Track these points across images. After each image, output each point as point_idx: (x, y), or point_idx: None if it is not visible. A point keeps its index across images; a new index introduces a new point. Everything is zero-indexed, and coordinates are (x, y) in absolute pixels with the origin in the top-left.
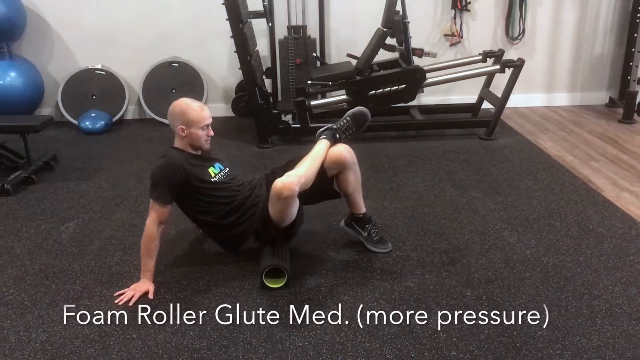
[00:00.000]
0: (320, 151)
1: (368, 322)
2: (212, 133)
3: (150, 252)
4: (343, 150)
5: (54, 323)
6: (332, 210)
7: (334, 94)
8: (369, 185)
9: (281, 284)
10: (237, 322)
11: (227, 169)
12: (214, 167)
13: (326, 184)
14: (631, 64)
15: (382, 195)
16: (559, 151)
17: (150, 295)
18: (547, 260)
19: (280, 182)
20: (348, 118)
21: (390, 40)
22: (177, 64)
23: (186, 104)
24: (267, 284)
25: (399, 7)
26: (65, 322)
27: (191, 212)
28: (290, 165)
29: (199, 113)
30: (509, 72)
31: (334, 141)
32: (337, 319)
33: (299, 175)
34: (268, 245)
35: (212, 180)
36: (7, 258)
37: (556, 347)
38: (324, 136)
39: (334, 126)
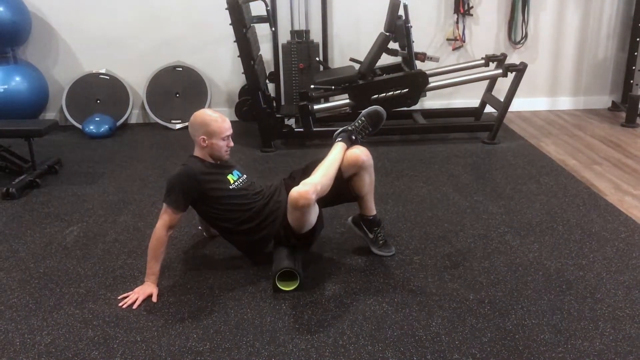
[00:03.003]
0: (337, 155)
1: (371, 325)
2: (232, 144)
3: (157, 255)
4: (360, 153)
5: (58, 326)
6: (334, 215)
7: (336, 98)
8: None
9: (293, 287)
10: (241, 325)
11: (245, 175)
12: (232, 174)
13: (344, 187)
14: (634, 67)
15: (385, 199)
16: (562, 155)
17: (154, 299)
18: (550, 263)
19: (296, 192)
20: (363, 118)
21: (393, 45)
22: (180, 68)
23: (208, 115)
24: (278, 285)
25: (401, 12)
26: (69, 325)
27: (211, 220)
28: (309, 168)
29: (221, 124)
30: (511, 76)
31: (350, 143)
32: (339, 322)
33: (314, 183)
34: (286, 248)
35: (231, 187)
36: (12, 261)
37: (558, 351)
38: (340, 139)
39: (350, 127)
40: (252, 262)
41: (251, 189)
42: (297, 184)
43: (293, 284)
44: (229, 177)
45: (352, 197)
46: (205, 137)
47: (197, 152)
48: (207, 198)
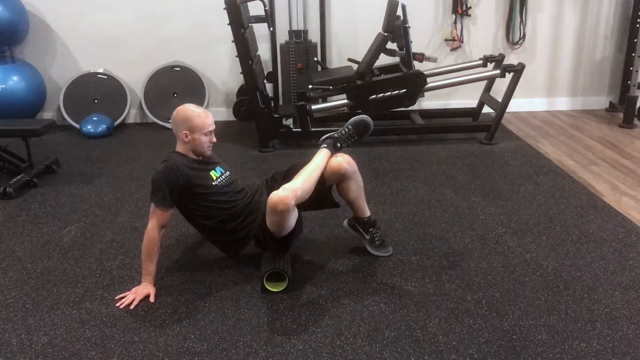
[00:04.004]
0: (320, 162)
1: (368, 326)
2: (214, 139)
3: (152, 256)
4: (342, 162)
5: (55, 326)
6: (332, 215)
7: (334, 98)
8: (369, 189)
9: (282, 288)
10: (238, 325)
11: (228, 172)
12: (215, 170)
13: (324, 194)
14: (631, 68)
15: (383, 200)
16: (560, 156)
17: (151, 299)
18: (547, 264)
19: (275, 196)
20: (350, 127)
21: (391, 45)
22: (178, 68)
23: (191, 110)
24: (268, 287)
25: (399, 12)
26: (66, 325)
27: (192, 217)
28: (292, 171)
29: (204, 119)
30: (509, 76)
31: (335, 150)
32: (337, 323)
33: (294, 188)
34: (269, 250)
35: (214, 184)
36: (9, 261)
37: (556, 351)
38: (325, 145)
39: (335, 135)
40: (250, 262)
41: (233, 187)
42: (279, 186)
43: (282, 285)
44: (212, 173)
45: (332, 204)
46: (187, 132)
47: (179, 148)
48: (190, 194)
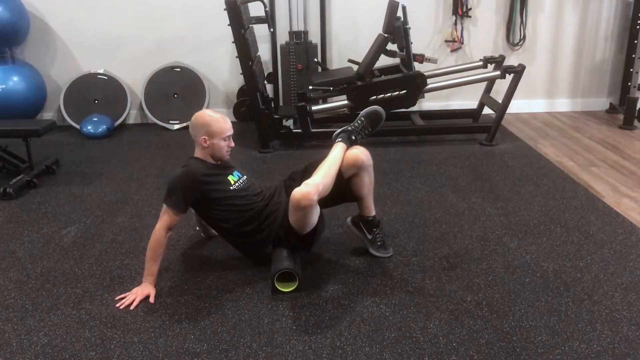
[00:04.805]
0: (337, 156)
1: (368, 327)
2: (233, 144)
3: (156, 256)
4: (360, 153)
5: (55, 326)
6: (332, 215)
7: (335, 99)
8: None
9: (291, 289)
10: (238, 326)
11: (245, 176)
12: (233, 175)
13: (343, 188)
14: (631, 70)
15: (383, 200)
16: (560, 157)
17: (152, 300)
18: (547, 265)
19: (298, 192)
20: (362, 118)
21: (392, 46)
22: (179, 69)
23: (209, 115)
24: (277, 287)
25: (400, 13)
26: (66, 326)
27: (210, 220)
28: (308, 169)
29: (222, 124)
30: (509, 77)
31: (350, 143)
32: (337, 323)
33: (316, 183)
34: (284, 249)
35: (232, 188)
36: (9, 261)
37: (556, 353)
38: (340, 139)
39: (349, 128)
40: (250, 263)
41: (251, 190)
42: (298, 185)
43: (292, 285)
44: (230, 178)
45: (353, 197)
46: (206, 138)
47: (197, 153)
48: (208, 199)
